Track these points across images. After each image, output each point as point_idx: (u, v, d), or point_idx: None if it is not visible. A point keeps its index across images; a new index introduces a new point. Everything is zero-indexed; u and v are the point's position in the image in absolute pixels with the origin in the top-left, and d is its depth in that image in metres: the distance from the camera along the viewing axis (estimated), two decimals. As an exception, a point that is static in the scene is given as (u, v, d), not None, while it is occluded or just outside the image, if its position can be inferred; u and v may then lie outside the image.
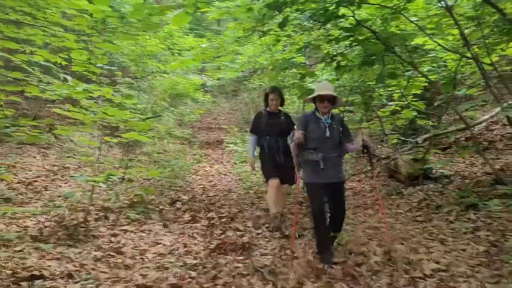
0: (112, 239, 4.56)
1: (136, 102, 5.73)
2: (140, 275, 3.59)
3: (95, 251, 4.13)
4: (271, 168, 5.30)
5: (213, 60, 8.65)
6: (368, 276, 3.37)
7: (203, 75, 12.07)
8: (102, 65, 5.40)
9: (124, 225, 5.07)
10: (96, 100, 5.62)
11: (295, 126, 4.13)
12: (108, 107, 4.49)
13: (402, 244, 4.11)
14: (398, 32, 6.17)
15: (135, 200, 6.05)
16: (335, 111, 4.42)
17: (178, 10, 4.23)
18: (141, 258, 4.08)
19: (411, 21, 5.85)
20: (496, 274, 3.17)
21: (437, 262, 3.52)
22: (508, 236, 3.86)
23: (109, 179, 5.28)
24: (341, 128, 4.09)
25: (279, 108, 5.63)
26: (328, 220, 4.01)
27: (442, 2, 5.23)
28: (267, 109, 5.56)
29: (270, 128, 5.41)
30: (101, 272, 3.62)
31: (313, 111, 4.14)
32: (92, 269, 3.67)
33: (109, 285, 3.34)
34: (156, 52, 9.82)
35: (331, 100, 4.02)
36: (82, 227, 4.79)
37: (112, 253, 4.09)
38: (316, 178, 3.94)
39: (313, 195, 3.99)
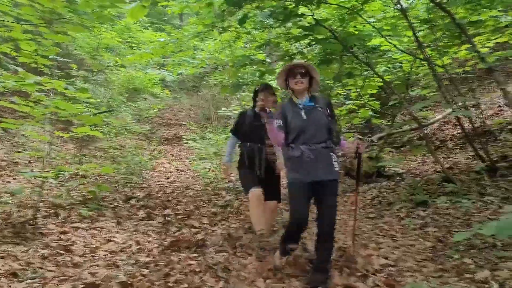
0: (62, 236, 4.41)
1: (90, 96, 5.55)
2: (89, 273, 3.49)
3: (42, 249, 3.99)
4: (251, 178, 4.38)
5: (173, 55, 8.53)
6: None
7: (162, 69, 11.89)
8: (55, 57, 5.21)
9: (75, 222, 4.92)
10: (47, 93, 5.42)
11: (266, 120, 3.26)
12: (59, 100, 4.33)
13: (356, 240, 4.19)
14: (356, 32, 6.31)
15: (88, 196, 5.88)
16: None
17: (134, 3, 4.14)
18: (92, 256, 3.97)
19: (368, 22, 5.97)
20: (440, 268, 3.29)
21: (386, 258, 3.62)
22: (453, 232, 4.02)
23: (60, 175, 5.10)
24: (328, 111, 3.36)
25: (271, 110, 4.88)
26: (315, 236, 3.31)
27: (398, 5, 5.37)
28: (255, 109, 4.50)
29: (253, 133, 4.39)
30: (48, 270, 3.49)
31: (289, 99, 3.46)
32: (39, 267, 3.54)
33: (56, 284, 3.23)
34: (113, 45, 9.58)
35: (304, 74, 3.33)
36: (30, 224, 4.61)
37: (60, 251, 3.96)
38: (298, 176, 3.22)
39: (293, 198, 3.27)
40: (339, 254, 3.70)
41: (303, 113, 3.27)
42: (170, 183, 8.08)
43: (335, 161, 3.28)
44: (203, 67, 10.32)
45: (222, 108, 11.88)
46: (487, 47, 6.26)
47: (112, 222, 5.09)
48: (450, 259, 3.44)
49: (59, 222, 4.89)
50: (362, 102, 7.30)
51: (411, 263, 3.47)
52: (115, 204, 5.93)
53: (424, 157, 7.64)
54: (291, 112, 3.32)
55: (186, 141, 11.46)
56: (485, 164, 5.53)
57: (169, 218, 5.39)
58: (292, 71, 3.34)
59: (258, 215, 4.20)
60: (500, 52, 6.18)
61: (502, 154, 5.82)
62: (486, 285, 2.90)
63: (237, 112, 10.05)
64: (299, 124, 3.24)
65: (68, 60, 6.66)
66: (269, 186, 4.37)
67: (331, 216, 3.22)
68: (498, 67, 8.97)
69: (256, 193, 4.24)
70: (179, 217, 5.49)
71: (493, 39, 6.24)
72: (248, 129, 4.44)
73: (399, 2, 5.27)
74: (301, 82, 3.32)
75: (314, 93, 3.51)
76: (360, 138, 3.46)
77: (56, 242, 4.22)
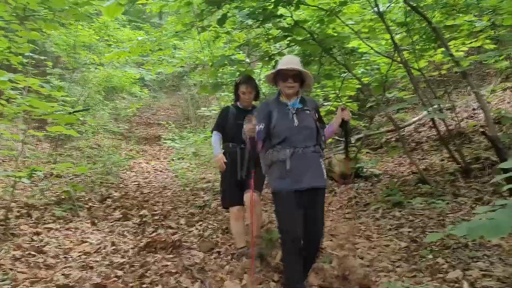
0: (34, 237, 4.33)
1: (66, 95, 5.45)
2: (62, 275, 3.44)
3: (14, 250, 3.90)
4: (232, 190, 4.01)
5: (151, 54, 8.45)
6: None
7: (141, 68, 11.76)
8: (30, 54, 5.10)
9: (49, 223, 4.83)
10: (21, 91, 5.30)
11: (246, 118, 3.14)
12: (32, 98, 4.23)
13: (331, 241, 4.23)
14: (335, 34, 6.36)
15: (62, 197, 5.78)
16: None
17: (110, 0, 4.08)
18: (65, 257, 3.90)
19: (346, 25, 6.02)
20: (414, 268, 3.33)
21: (362, 258, 3.65)
22: (427, 233, 4.08)
23: (34, 175, 4.99)
24: (317, 115, 3.12)
25: (253, 104, 4.22)
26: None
27: (375, 8, 5.42)
28: (237, 104, 4.14)
29: (237, 131, 3.77)
30: (19, 272, 3.42)
31: (276, 96, 3.16)
32: (10, 269, 3.46)
33: (27, 286, 3.16)
34: (90, 43, 9.43)
35: (297, 77, 3.05)
36: (2, 225, 4.50)
37: (33, 252, 3.88)
38: (284, 184, 2.90)
39: (282, 209, 2.93)
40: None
41: (293, 116, 2.98)
42: (147, 183, 7.99)
43: (324, 168, 3.03)
44: (182, 67, 10.25)
45: (202, 108, 11.82)
46: (462, 51, 6.40)
47: (87, 223, 5.01)
48: (423, 259, 3.49)
49: (31, 223, 4.79)
50: (340, 103, 7.35)
51: (386, 263, 3.51)
52: (91, 204, 5.84)
53: (401, 158, 7.74)
54: (278, 113, 3.01)
55: (165, 141, 11.36)
56: (459, 166, 5.63)
57: (145, 219, 5.33)
58: (283, 73, 3.04)
59: (239, 231, 3.95)
60: (474, 56, 6.32)
61: (475, 156, 5.93)
62: (457, 285, 2.95)
63: (216, 112, 10.03)
64: (288, 127, 2.95)
65: (43, 57, 6.54)
66: (246, 185, 3.97)
67: (318, 230, 2.95)
68: (472, 71, 9.18)
69: (235, 210, 3.98)
70: (156, 217, 5.43)
71: (468, 44, 6.37)
72: (231, 128, 3.99)
73: (376, 5, 5.33)
74: (292, 86, 3.04)
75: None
76: (342, 108, 3.12)
77: (28, 243, 4.13)
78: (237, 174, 3.99)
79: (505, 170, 2.36)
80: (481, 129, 6.52)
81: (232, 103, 4.27)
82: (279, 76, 3.10)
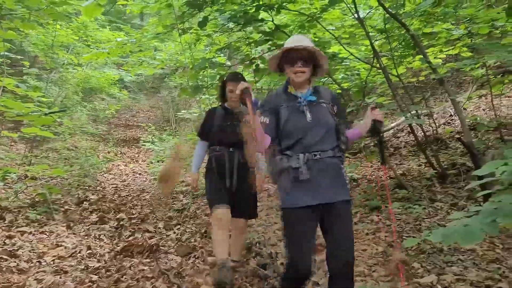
0: (7, 241, 4.22)
1: (42, 95, 5.34)
2: (35, 279, 3.37)
3: (-15, 254, 3.80)
4: (218, 193, 3.50)
5: (131, 55, 8.37)
6: (273, 277, 3.42)
7: (120, 69, 11.64)
8: (6, 53, 5.00)
9: (22, 226, 4.72)
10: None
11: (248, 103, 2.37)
12: (7, 99, 4.14)
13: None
14: (316, 39, 6.41)
15: (37, 199, 5.66)
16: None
17: (89, 1, 4.02)
18: (38, 261, 3.82)
19: (327, 30, 6.07)
20: (390, 273, 3.36)
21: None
22: (404, 237, 4.12)
23: (7, 176, 4.88)
24: (335, 109, 2.47)
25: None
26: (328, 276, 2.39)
27: (356, 14, 5.48)
28: (225, 104, 3.72)
29: (223, 134, 3.55)
30: (-10, 277, 3.33)
31: (284, 87, 2.52)
32: (-20, 274, 3.37)
33: (-2, 292, 3.08)
34: (69, 43, 9.28)
35: (309, 60, 2.39)
36: (-27, 228, 4.39)
37: (5, 257, 3.78)
38: (297, 198, 2.30)
39: (291, 232, 2.34)
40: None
41: (306, 111, 2.37)
42: (125, 186, 7.89)
43: (346, 176, 2.45)
44: (163, 68, 10.17)
45: (182, 111, 11.75)
46: (439, 58, 6.51)
47: (62, 226, 4.92)
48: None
49: (4, 226, 4.68)
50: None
51: (362, 268, 3.53)
52: (67, 207, 5.74)
53: (379, 163, 7.82)
54: (288, 108, 2.41)
55: (144, 143, 11.25)
56: (436, 171, 5.72)
57: (122, 222, 5.26)
58: (291, 55, 2.38)
59: (221, 240, 3.35)
60: (451, 63, 6.44)
61: (451, 161, 6.04)
62: (432, 289, 2.99)
63: (197, 114, 9.99)
64: (301, 126, 2.35)
65: (20, 57, 6.41)
66: (241, 196, 3.52)
67: (348, 250, 2.34)
68: (449, 78, 9.36)
69: (220, 212, 3.37)
70: (133, 221, 5.37)
71: (445, 51, 6.49)
72: (217, 130, 3.59)
73: (357, 12, 5.39)
74: (302, 72, 2.38)
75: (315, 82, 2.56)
76: (373, 107, 2.46)
77: (1, 247, 4.03)
78: (225, 180, 3.51)
79: (479, 177, 2.40)
80: (457, 136, 6.64)
81: (220, 104, 3.85)
82: (285, 60, 2.42)
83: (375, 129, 2.43)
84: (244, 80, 3.59)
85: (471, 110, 8.06)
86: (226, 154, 3.54)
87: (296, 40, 2.43)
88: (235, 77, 3.64)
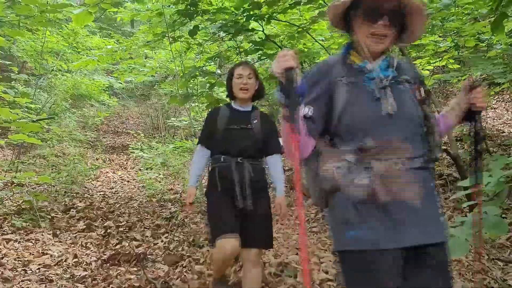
0: (-9, 249, 4.17)
1: (30, 101, 5.31)
2: (19, 288, 3.32)
3: (-31, 262, 3.75)
4: (224, 216, 2.74)
5: (121, 62, 8.37)
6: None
7: (110, 76, 11.61)
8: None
9: (7, 233, 4.66)
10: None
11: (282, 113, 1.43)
12: (-6, 104, 4.11)
13: (297, 254, 4.24)
14: (306, 49, 6.48)
15: (23, 206, 5.60)
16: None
17: (80, 9, 4.03)
18: (24, 269, 3.77)
19: (316, 41, 6.14)
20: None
21: (326, 272, 3.68)
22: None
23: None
24: (422, 92, 1.59)
25: (253, 105, 3.05)
26: None
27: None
28: (232, 104, 2.98)
29: (230, 139, 2.84)
30: (-26, 286, 3.29)
31: (343, 54, 1.62)
32: (-36, 282, 3.33)
33: (-19, 301, 3.04)
34: (58, 50, 9.25)
35: (396, 18, 1.51)
36: (-43, 235, 4.33)
37: (-11, 265, 3.73)
38: (370, 235, 1.44)
39: None
40: (281, 269, 3.73)
41: (383, 95, 1.50)
42: (113, 193, 7.84)
43: (438, 201, 1.61)
44: (153, 76, 10.17)
45: (172, 118, 11.73)
46: (427, 69, 6.61)
47: (49, 234, 4.86)
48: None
49: (-11, 234, 4.62)
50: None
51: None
52: (53, 214, 5.68)
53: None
54: (349, 88, 1.51)
55: (133, 150, 11.20)
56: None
57: (110, 230, 5.22)
58: (371, 5, 1.49)
59: (224, 268, 2.91)
60: (438, 75, 6.54)
61: (438, 172, 6.10)
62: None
63: (186, 122, 9.97)
64: (374, 118, 1.48)
65: (8, 62, 6.37)
66: (253, 220, 2.79)
67: None
68: (436, 89, 9.49)
69: (227, 243, 2.62)
70: (121, 229, 5.33)
71: (433, 63, 6.60)
72: (222, 135, 2.84)
73: (346, 23, 5.46)
74: (384, 36, 1.50)
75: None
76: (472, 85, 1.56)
77: (-15, 255, 3.98)
78: (232, 199, 2.77)
79: (465, 188, 2.44)
80: (444, 147, 6.72)
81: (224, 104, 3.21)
82: (359, 13, 1.52)
83: (472, 118, 1.64)
84: (255, 71, 2.94)
85: (457, 122, 8.16)
86: (234, 165, 2.80)
87: None
88: (243, 62, 3.12)
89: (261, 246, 2.86)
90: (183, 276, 3.71)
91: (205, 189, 3.05)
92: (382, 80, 1.53)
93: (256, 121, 2.89)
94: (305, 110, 1.53)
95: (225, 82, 3.05)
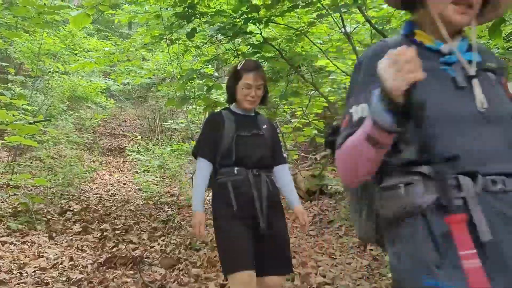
0: (-13, 251, 4.14)
1: (27, 103, 5.29)
2: (15, 291, 3.30)
3: (-36, 265, 3.72)
4: (240, 244, 2.29)
5: (118, 64, 8.35)
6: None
7: (107, 78, 11.59)
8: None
9: (3, 236, 4.64)
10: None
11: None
12: (-9, 106, 4.09)
13: (294, 257, 4.23)
14: (303, 52, 6.47)
15: (19, 209, 5.56)
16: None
17: (77, 11, 4.02)
18: (19, 272, 3.75)
19: (314, 44, 6.14)
20: (374, 287, 3.38)
21: (324, 276, 3.67)
22: (383, 254, 4.15)
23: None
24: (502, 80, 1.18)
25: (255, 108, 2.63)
26: None
27: (343, 29, 5.55)
28: (232, 107, 2.58)
29: (243, 148, 2.41)
30: (-31, 289, 3.26)
31: (405, 31, 1.24)
32: (-42, 285, 3.30)
33: (-24, 304, 3.02)
34: (56, 51, 9.22)
35: None
36: (-48, 238, 4.30)
37: (-16, 268, 3.71)
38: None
39: None
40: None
41: (471, 85, 1.12)
42: (110, 196, 7.81)
43: None
44: (150, 78, 10.15)
45: (169, 120, 11.71)
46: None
47: (44, 237, 4.84)
48: (384, 277, 3.54)
49: (-16, 236, 4.59)
50: (307, 120, 7.44)
51: (347, 281, 3.54)
52: (49, 217, 5.65)
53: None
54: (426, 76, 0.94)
55: (130, 153, 11.17)
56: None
57: (106, 233, 5.20)
58: None
59: None
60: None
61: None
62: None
63: (184, 125, 9.96)
64: (463, 115, 1.08)
65: (5, 63, 6.34)
66: (271, 245, 2.40)
67: None
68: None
69: (244, 277, 2.19)
70: (117, 232, 5.31)
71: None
72: (233, 143, 2.39)
73: (344, 27, 5.46)
74: (469, 6, 1.11)
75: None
76: None
77: (-20, 258, 3.95)
78: (249, 220, 2.35)
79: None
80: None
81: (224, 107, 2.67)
82: None
83: None
84: (264, 73, 2.54)
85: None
86: (252, 177, 2.37)
87: None
88: (254, 66, 2.48)
89: (284, 272, 2.44)
90: (179, 279, 3.70)
91: (210, 209, 2.58)
92: (465, 66, 1.12)
93: (265, 126, 2.53)
94: (354, 108, 1.17)
95: (222, 85, 2.87)
